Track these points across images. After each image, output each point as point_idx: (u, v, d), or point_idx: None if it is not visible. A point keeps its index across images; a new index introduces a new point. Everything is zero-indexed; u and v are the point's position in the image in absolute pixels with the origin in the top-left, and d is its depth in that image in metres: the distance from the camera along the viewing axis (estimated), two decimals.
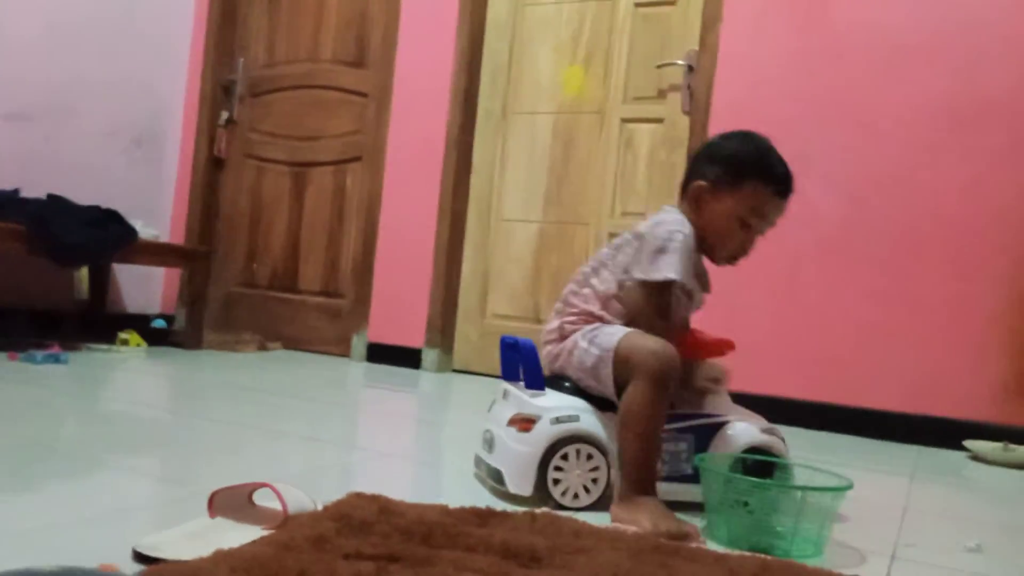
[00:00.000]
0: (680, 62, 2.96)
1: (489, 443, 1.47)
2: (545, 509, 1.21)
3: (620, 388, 1.37)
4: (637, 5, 3.08)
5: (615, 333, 1.40)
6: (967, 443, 2.36)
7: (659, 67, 3.01)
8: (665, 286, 1.40)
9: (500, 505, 1.27)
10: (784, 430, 1.49)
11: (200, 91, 3.78)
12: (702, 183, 1.46)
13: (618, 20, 3.11)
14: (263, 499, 1.14)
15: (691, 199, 1.48)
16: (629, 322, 1.45)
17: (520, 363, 1.47)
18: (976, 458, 2.32)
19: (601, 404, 1.43)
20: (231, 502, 1.14)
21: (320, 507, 1.11)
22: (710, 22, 2.86)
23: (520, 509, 1.19)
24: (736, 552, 1.08)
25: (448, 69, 3.29)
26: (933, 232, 2.53)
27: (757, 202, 1.44)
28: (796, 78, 2.72)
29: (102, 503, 1.18)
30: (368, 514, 1.06)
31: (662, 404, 1.32)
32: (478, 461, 1.53)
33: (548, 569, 0.94)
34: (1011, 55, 2.49)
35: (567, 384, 1.47)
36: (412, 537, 1.00)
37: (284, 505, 1.08)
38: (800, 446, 1.48)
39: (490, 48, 3.33)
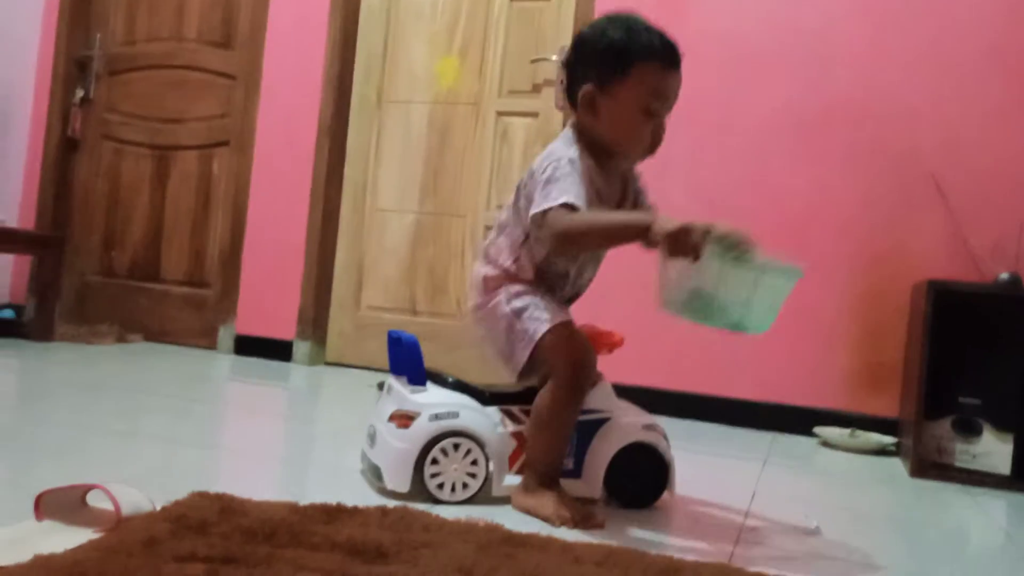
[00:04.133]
0: (554, 58, 2.99)
1: (371, 438, 1.46)
2: (398, 503, 1.19)
3: (528, 369, 1.39)
4: (512, 0, 3.09)
5: (541, 321, 1.36)
6: (817, 430, 2.49)
7: (533, 62, 3.03)
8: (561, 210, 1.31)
9: (378, 501, 1.26)
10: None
11: (52, 67, 3.54)
12: (588, 87, 1.37)
13: (493, 14, 3.11)
14: (98, 501, 1.07)
15: (584, 107, 1.38)
16: (538, 272, 1.42)
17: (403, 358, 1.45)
18: (826, 444, 2.46)
19: (482, 398, 1.43)
20: (61, 504, 1.07)
21: (159, 508, 1.05)
22: (583, 19, 2.88)
23: (397, 504, 1.17)
24: (584, 541, 1.10)
25: (320, 54, 3.20)
26: (784, 233, 2.64)
27: (651, 83, 1.35)
28: None
29: None
30: (208, 514, 1.01)
31: (576, 407, 1.37)
32: (363, 456, 1.51)
33: (393, 564, 0.93)
34: (852, 64, 2.63)
35: (450, 379, 1.46)
36: (254, 537, 0.97)
37: (117, 506, 1.02)
38: (667, 433, 1.52)
39: (364, 35, 3.27)
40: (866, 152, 2.61)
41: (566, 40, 2.97)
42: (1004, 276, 2.27)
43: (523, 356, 1.38)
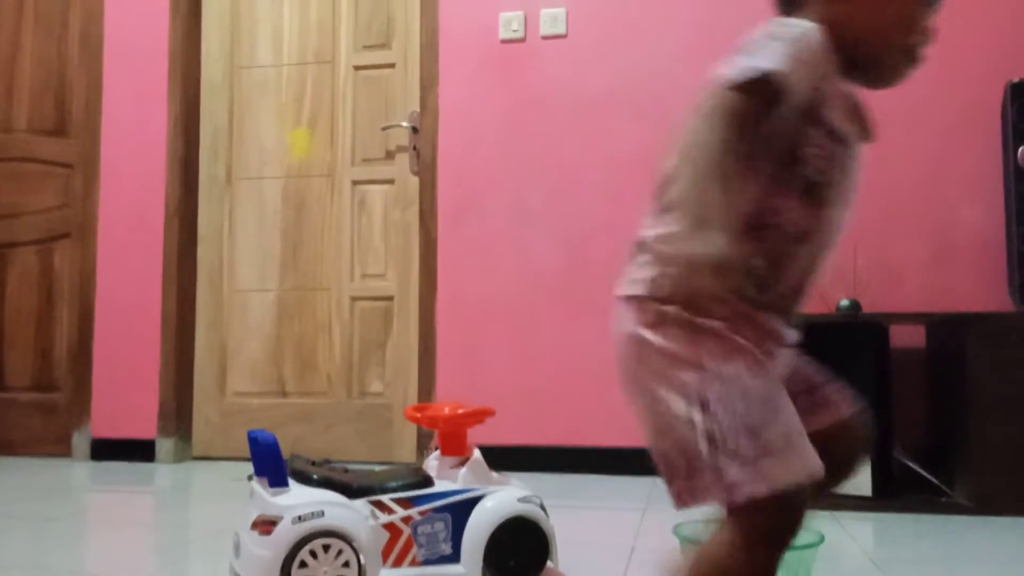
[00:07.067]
0: (404, 124, 2.99)
1: (236, 548, 1.37)
2: None
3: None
4: (357, 68, 3.08)
5: (771, 465, 0.80)
6: None
7: (384, 129, 3.02)
8: (755, 86, 0.78)
9: None
10: (532, 476, 1.52)
11: None
12: None
13: (339, 83, 3.10)
14: None
15: None
16: (748, 229, 0.87)
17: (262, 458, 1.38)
18: None
19: (349, 492, 1.37)
20: None
21: None
22: (428, 84, 2.92)
23: None
24: None
25: (162, 134, 3.10)
26: None
27: None
28: (510, 133, 2.85)
29: None
30: None
31: (773, 569, 0.84)
32: (230, 568, 1.42)
33: None
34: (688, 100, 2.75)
35: (315, 477, 1.39)
36: None
37: None
38: (547, 491, 1.51)
39: (207, 112, 3.18)
40: None
41: (414, 105, 2.98)
42: (844, 302, 2.40)
43: (704, 498, 0.85)
